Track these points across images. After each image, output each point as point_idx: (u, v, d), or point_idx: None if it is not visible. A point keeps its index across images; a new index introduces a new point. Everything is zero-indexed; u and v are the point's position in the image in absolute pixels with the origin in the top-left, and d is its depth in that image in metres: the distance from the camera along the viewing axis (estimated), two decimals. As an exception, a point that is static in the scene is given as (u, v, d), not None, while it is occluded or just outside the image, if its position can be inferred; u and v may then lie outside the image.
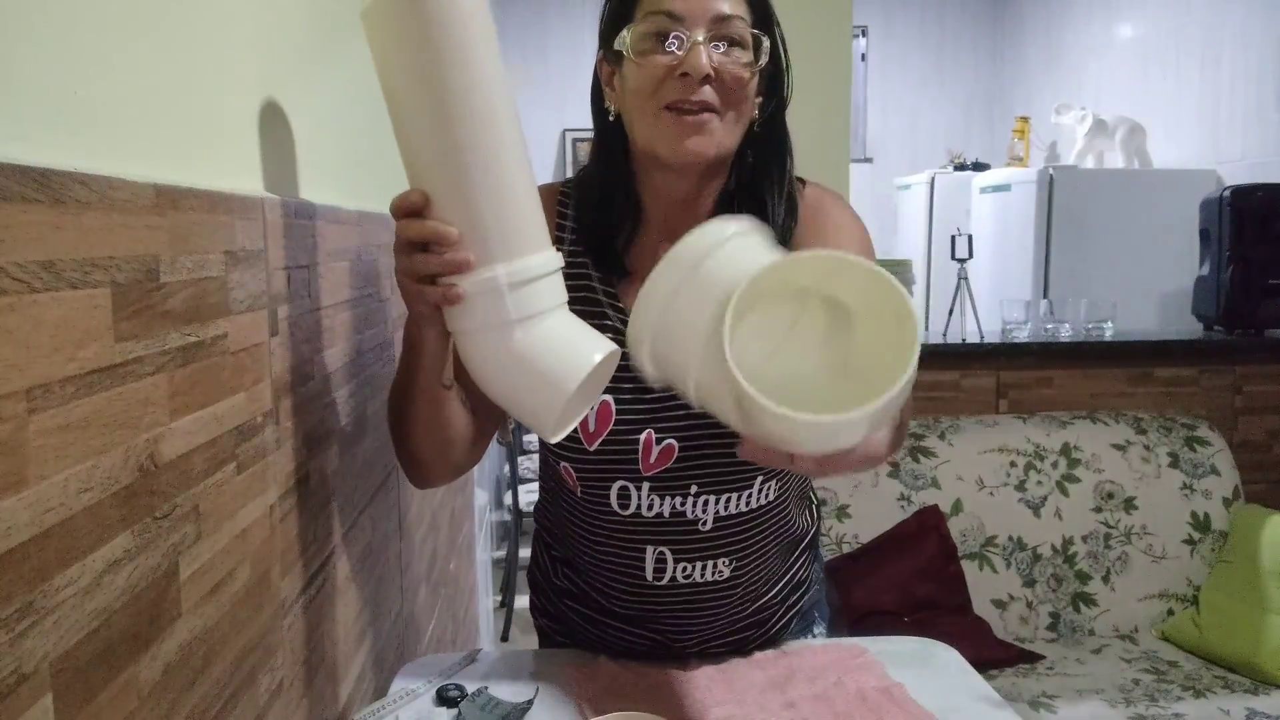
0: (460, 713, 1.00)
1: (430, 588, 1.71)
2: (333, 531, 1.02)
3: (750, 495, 1.04)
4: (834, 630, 1.90)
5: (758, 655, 1.14)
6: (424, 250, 0.81)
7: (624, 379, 0.97)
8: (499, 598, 3.57)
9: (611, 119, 1.01)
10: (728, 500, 1.03)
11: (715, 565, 1.06)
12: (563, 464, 1.04)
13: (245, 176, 0.80)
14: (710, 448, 1.01)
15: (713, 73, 0.92)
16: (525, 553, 1.89)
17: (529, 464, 4.08)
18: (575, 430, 0.99)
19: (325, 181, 1.06)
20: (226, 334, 0.72)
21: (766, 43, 0.96)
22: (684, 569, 1.05)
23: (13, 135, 0.47)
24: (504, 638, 3.31)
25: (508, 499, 3.82)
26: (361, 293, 1.17)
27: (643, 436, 1.01)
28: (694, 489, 1.02)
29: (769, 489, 1.05)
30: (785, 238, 1.02)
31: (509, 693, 1.04)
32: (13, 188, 0.46)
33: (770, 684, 1.06)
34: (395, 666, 1.28)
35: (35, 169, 0.48)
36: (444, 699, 1.03)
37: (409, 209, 0.80)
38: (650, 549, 1.04)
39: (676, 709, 1.01)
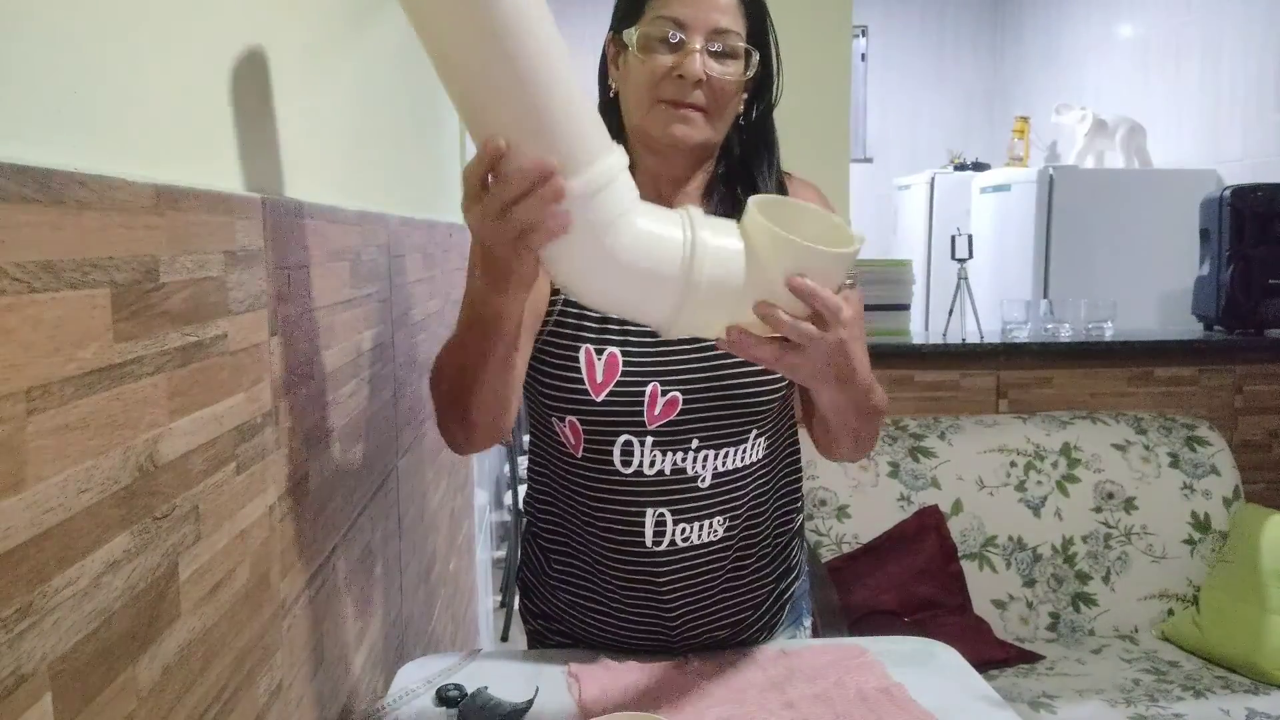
0: (460, 713, 1.00)
1: (430, 588, 1.71)
2: (332, 531, 1.02)
3: (745, 450, 1.10)
4: (834, 630, 1.91)
5: (758, 655, 1.14)
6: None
7: (631, 331, 1.06)
8: (499, 598, 3.57)
9: (611, 95, 1.10)
10: (725, 456, 1.08)
11: (710, 525, 1.10)
12: (568, 419, 1.07)
13: (245, 176, 0.80)
14: (712, 401, 1.07)
15: (705, 77, 1.02)
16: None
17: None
18: (583, 381, 1.05)
19: (325, 181, 1.06)
20: (226, 334, 0.72)
21: (756, 57, 1.05)
22: (682, 530, 1.09)
23: (13, 135, 0.47)
24: (504, 638, 3.31)
25: (508, 499, 3.82)
26: (361, 293, 1.17)
27: (648, 388, 1.06)
28: (695, 443, 1.07)
29: (759, 445, 1.11)
30: None
31: (509, 693, 1.04)
32: (12, 188, 0.46)
33: (770, 684, 1.06)
34: (395, 666, 1.28)
35: (35, 169, 0.48)
36: (444, 699, 1.03)
37: (493, 156, 0.74)
38: (650, 511, 1.08)
39: (676, 709, 1.01)
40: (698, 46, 1.01)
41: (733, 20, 1.03)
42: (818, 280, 0.80)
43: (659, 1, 1.03)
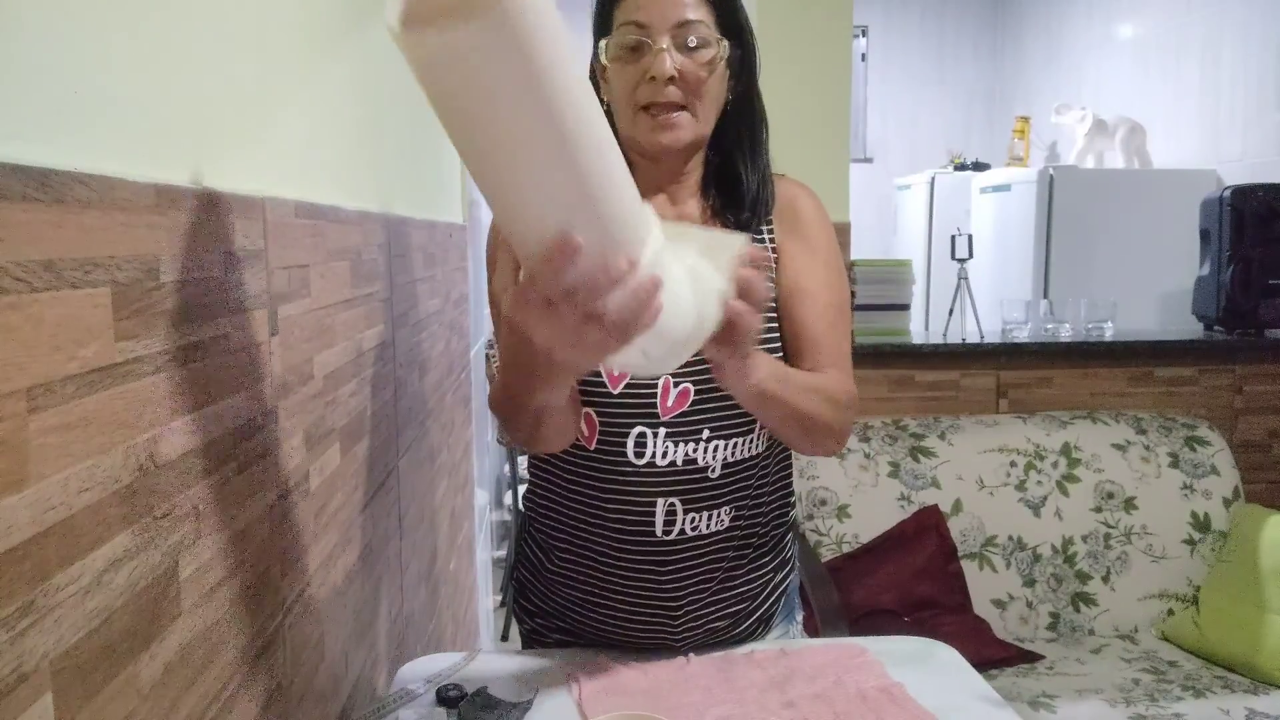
0: (460, 713, 1.00)
1: (430, 587, 1.71)
2: (332, 531, 1.02)
3: (751, 440, 1.12)
4: (834, 630, 1.91)
5: (757, 654, 1.14)
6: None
7: None
8: (499, 598, 3.57)
9: (605, 109, 1.11)
10: (733, 446, 1.10)
11: (719, 514, 1.11)
12: (584, 411, 1.09)
13: (246, 176, 0.80)
14: (722, 392, 1.08)
15: (676, 74, 1.03)
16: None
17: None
18: (600, 374, 1.07)
19: (325, 181, 1.06)
20: (226, 334, 0.72)
21: (726, 44, 1.06)
22: (692, 520, 1.10)
23: (13, 135, 0.47)
24: (504, 638, 3.31)
25: (508, 499, 3.82)
26: (362, 292, 1.17)
27: (661, 380, 1.08)
28: (705, 434, 1.09)
29: (763, 436, 1.13)
30: (759, 210, 1.13)
31: (509, 693, 1.04)
32: (13, 187, 0.46)
33: (770, 683, 1.07)
34: (395, 666, 1.28)
35: (35, 169, 0.48)
36: (444, 699, 1.03)
37: (571, 255, 0.64)
38: (662, 501, 1.09)
39: (676, 708, 1.01)
40: (664, 45, 1.02)
41: (696, 10, 1.04)
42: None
43: (622, 9, 1.05)
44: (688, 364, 1.07)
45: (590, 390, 1.07)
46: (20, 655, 0.46)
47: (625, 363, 0.80)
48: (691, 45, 1.04)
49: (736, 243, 0.82)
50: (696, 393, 1.08)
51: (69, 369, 0.50)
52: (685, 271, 0.78)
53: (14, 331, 0.46)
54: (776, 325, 1.12)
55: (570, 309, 0.67)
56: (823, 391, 1.06)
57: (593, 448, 1.10)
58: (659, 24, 1.03)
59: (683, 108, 1.05)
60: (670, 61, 1.02)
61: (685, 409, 1.08)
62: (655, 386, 1.08)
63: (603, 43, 1.07)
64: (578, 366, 0.78)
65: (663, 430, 1.08)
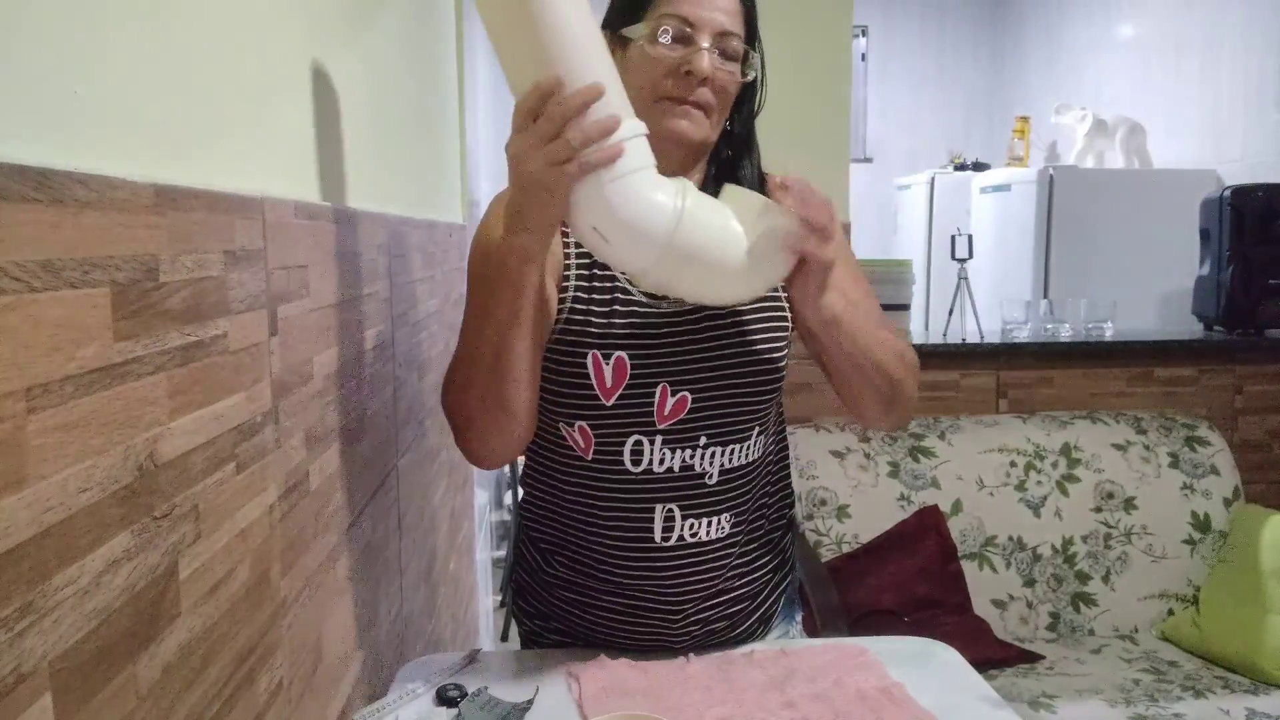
0: (460, 713, 1.00)
1: (430, 587, 1.71)
2: (332, 531, 1.02)
3: (749, 446, 1.12)
4: (834, 630, 1.91)
5: (757, 654, 1.14)
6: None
7: (636, 334, 1.08)
8: (499, 598, 3.57)
9: None
10: (732, 453, 1.10)
11: (718, 521, 1.11)
12: (578, 424, 1.08)
13: (245, 176, 0.80)
14: (719, 399, 1.08)
15: (710, 75, 1.04)
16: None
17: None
18: (593, 387, 1.07)
19: (325, 181, 1.06)
20: (226, 334, 0.72)
21: (755, 58, 1.09)
22: (690, 525, 1.10)
23: (13, 135, 0.47)
24: (504, 638, 3.30)
25: (508, 499, 3.82)
26: (361, 292, 1.17)
27: (658, 389, 1.07)
28: (703, 440, 1.08)
29: (760, 442, 1.14)
30: None
31: (509, 693, 1.04)
32: (12, 187, 0.46)
33: (770, 684, 1.07)
34: (395, 666, 1.28)
35: (35, 169, 0.48)
36: (444, 699, 1.03)
37: (549, 88, 0.85)
38: (660, 507, 1.09)
39: (676, 708, 1.01)
40: (705, 45, 1.03)
41: (734, 23, 1.06)
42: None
43: (666, 0, 1.05)
44: (685, 370, 1.07)
45: (583, 403, 1.07)
46: (19, 656, 0.45)
47: (583, 238, 0.93)
48: (725, 54, 1.05)
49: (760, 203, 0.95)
50: (694, 400, 1.07)
51: (68, 369, 0.50)
52: (681, 192, 0.92)
53: (13, 332, 0.46)
54: (788, 320, 1.12)
55: (546, 124, 0.85)
56: (890, 343, 1.10)
57: (589, 458, 1.09)
58: (705, 26, 1.04)
59: (703, 108, 1.06)
60: (709, 63, 1.03)
61: (682, 416, 1.08)
62: (651, 396, 1.07)
63: (638, 26, 1.06)
64: (541, 192, 0.88)
65: (659, 437, 1.08)
